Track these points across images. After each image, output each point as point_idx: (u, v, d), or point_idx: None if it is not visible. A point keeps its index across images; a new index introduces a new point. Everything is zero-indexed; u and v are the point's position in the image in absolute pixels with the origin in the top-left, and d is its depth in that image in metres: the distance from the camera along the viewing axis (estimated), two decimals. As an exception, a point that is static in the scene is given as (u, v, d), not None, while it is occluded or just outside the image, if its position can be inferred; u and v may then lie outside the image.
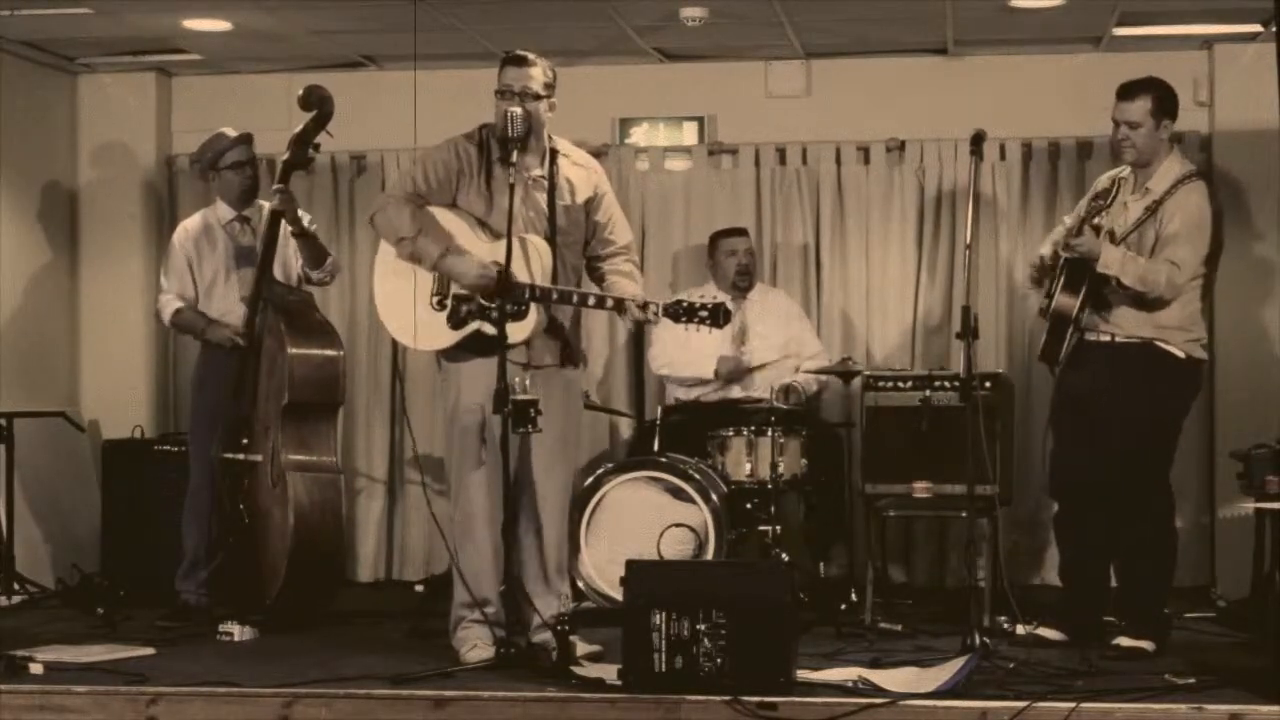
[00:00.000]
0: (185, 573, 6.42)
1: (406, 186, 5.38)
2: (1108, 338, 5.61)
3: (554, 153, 5.42)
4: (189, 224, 6.68)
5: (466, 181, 5.34)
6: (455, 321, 5.31)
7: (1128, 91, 5.62)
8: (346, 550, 7.26)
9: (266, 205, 6.49)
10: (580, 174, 5.47)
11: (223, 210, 6.62)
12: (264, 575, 6.13)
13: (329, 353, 6.39)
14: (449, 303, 5.31)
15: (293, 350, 6.21)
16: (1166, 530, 5.67)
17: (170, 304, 6.58)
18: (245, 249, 6.55)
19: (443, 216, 5.35)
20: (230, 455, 6.22)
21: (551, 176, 5.38)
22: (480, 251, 5.28)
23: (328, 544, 6.28)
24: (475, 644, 5.26)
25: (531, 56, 5.35)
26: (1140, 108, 5.59)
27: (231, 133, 6.58)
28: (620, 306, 5.24)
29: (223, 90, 7.96)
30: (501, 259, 5.13)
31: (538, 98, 5.31)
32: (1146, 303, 5.51)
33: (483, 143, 5.37)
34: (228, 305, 6.50)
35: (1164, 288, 5.46)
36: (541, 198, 5.37)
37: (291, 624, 6.05)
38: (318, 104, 6.26)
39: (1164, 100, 5.63)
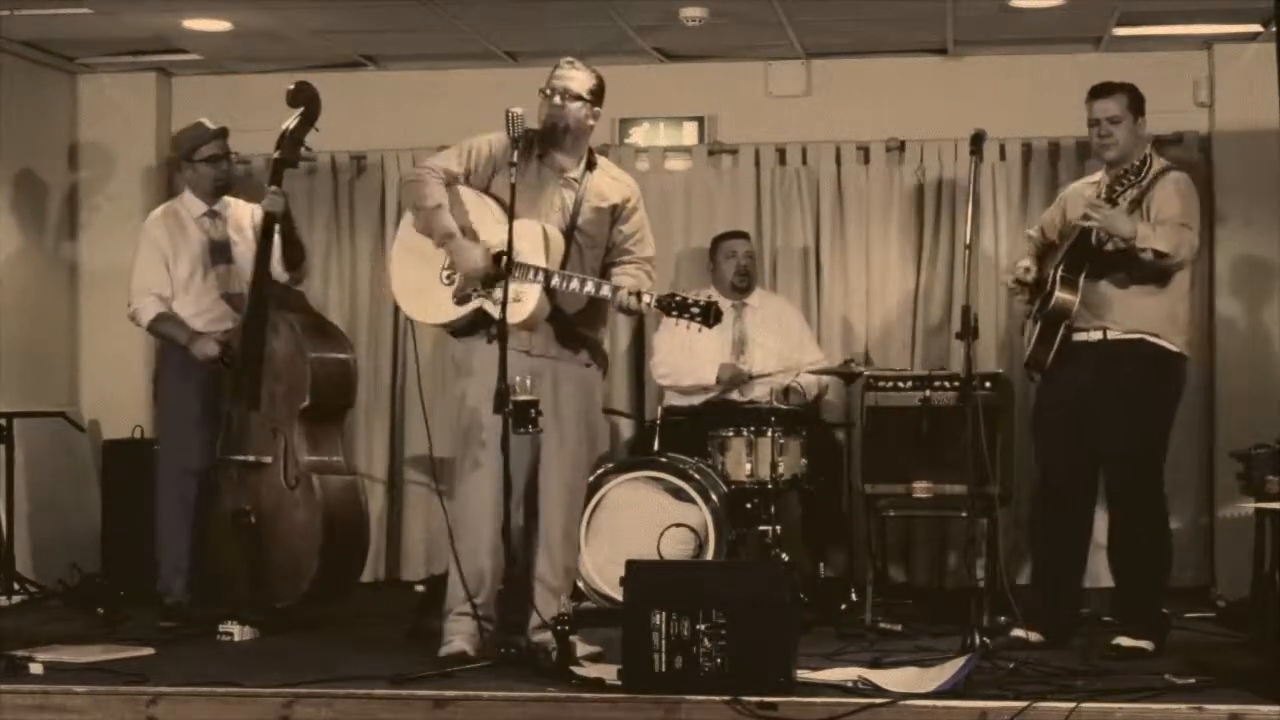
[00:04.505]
0: (171, 574, 6.31)
1: (443, 163, 5.42)
2: (1098, 335, 5.61)
3: (592, 164, 5.48)
4: (159, 215, 6.48)
5: (504, 172, 5.34)
6: (460, 298, 5.32)
7: (1105, 90, 5.72)
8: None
9: (240, 202, 6.47)
10: (612, 183, 5.52)
11: (193, 203, 6.45)
12: (279, 576, 6.10)
13: (344, 355, 6.41)
14: (457, 278, 5.33)
15: (313, 354, 6.20)
16: (1164, 530, 5.68)
17: (150, 306, 6.33)
18: (218, 244, 6.42)
19: (472, 198, 5.39)
20: (241, 458, 6.17)
21: (583, 180, 5.43)
22: (497, 230, 5.28)
23: (356, 542, 6.35)
24: (453, 639, 5.27)
25: (579, 63, 5.46)
26: (1119, 103, 5.67)
27: (210, 124, 6.45)
28: (597, 289, 5.24)
29: (223, 90, 7.95)
30: (517, 241, 5.14)
31: (577, 98, 5.37)
32: (1142, 296, 5.54)
33: (527, 139, 5.37)
34: (204, 304, 6.37)
35: (1186, 250, 5.51)
36: (570, 196, 5.42)
37: (291, 624, 6.05)
38: (306, 101, 6.23)
39: (1136, 98, 5.72)
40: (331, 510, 6.14)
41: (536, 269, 5.20)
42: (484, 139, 5.44)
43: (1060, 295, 5.57)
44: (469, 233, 5.32)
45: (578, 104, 5.39)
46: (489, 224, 5.33)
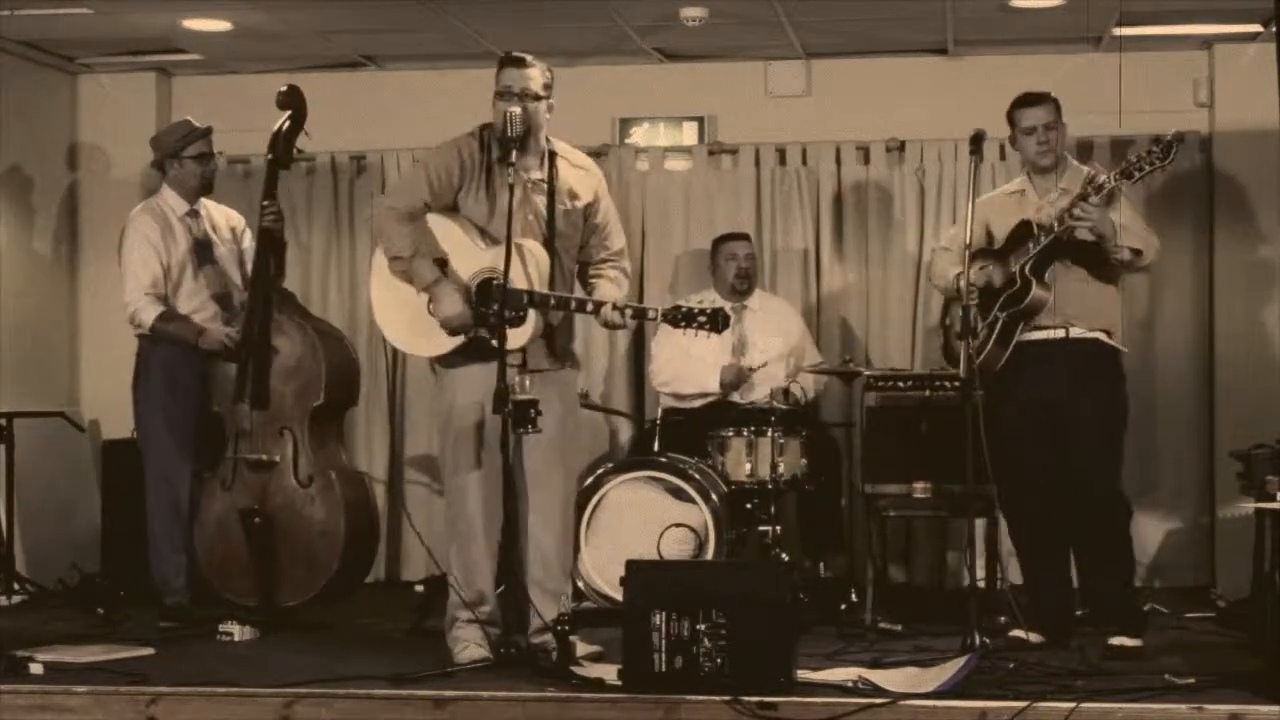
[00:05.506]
0: (169, 576, 6.30)
1: (406, 201, 5.33)
2: (1060, 333, 5.63)
3: (552, 155, 5.38)
4: (143, 212, 6.37)
5: (468, 183, 5.31)
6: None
7: (1037, 98, 5.75)
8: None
9: (214, 204, 6.47)
10: (580, 176, 5.44)
11: (176, 201, 6.39)
12: (291, 574, 6.11)
13: (350, 354, 6.47)
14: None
15: (325, 353, 6.22)
16: (1127, 525, 5.70)
17: (150, 307, 6.22)
18: (202, 245, 6.39)
19: (441, 223, 5.31)
20: (254, 457, 6.15)
21: (551, 180, 5.35)
22: (476, 258, 5.26)
23: (372, 540, 6.42)
24: (468, 645, 5.25)
25: (529, 58, 5.33)
26: (1050, 111, 5.72)
27: (196, 123, 6.44)
28: (596, 309, 5.22)
29: (223, 90, 7.95)
30: (498, 265, 5.10)
31: (536, 98, 5.27)
32: (1099, 294, 5.61)
33: (483, 144, 5.34)
34: (195, 304, 6.33)
35: (1152, 253, 5.59)
36: (541, 201, 5.33)
37: (291, 624, 6.05)
38: (295, 105, 6.23)
39: (1059, 106, 5.76)
40: (351, 508, 6.17)
41: (529, 294, 5.15)
42: (436, 161, 5.31)
43: (1038, 292, 5.57)
44: (447, 266, 5.24)
45: (538, 103, 5.28)
46: (464, 250, 5.27)
